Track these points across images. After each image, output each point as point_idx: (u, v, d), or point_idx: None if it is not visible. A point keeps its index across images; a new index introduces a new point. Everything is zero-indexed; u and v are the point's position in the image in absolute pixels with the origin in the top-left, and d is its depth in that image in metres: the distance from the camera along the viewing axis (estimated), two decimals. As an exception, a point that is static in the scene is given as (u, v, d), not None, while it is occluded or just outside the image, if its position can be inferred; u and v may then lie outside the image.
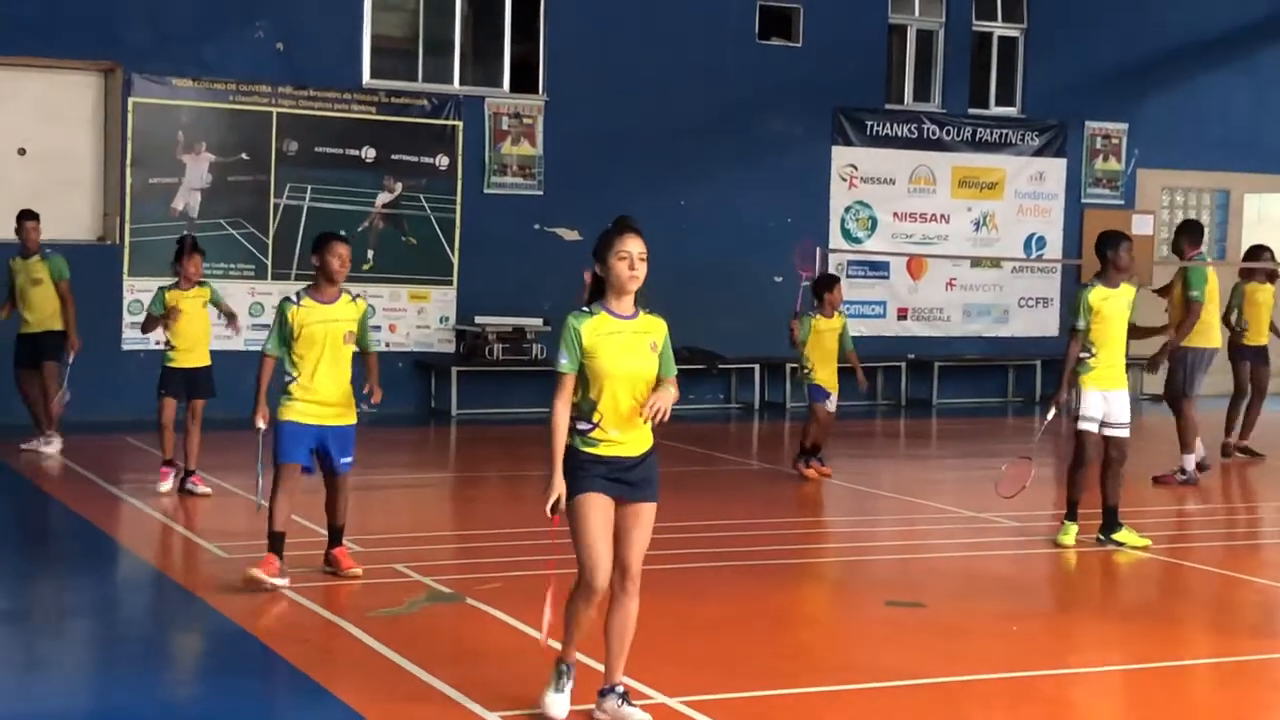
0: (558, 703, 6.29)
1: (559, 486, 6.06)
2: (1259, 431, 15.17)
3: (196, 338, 11.99)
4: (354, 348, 8.85)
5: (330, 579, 8.88)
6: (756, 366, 18.93)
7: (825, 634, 8.24)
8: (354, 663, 7.17)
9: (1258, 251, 15.18)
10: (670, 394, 6.14)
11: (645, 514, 6.21)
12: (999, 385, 20.86)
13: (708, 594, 8.79)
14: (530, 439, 16.41)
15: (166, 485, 11.87)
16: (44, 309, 14.14)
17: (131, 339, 16.25)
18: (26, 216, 14.25)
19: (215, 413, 12.35)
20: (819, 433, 13.42)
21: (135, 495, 11.85)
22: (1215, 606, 9.04)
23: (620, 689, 6.24)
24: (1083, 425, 10.39)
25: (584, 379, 6.14)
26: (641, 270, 6.15)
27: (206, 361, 12.09)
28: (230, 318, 12.46)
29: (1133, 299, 10.51)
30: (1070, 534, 10.40)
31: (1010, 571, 10.05)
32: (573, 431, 6.18)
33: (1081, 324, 10.37)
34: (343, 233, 9.31)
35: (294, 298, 8.80)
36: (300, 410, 8.70)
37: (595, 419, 6.12)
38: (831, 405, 13.47)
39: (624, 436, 6.14)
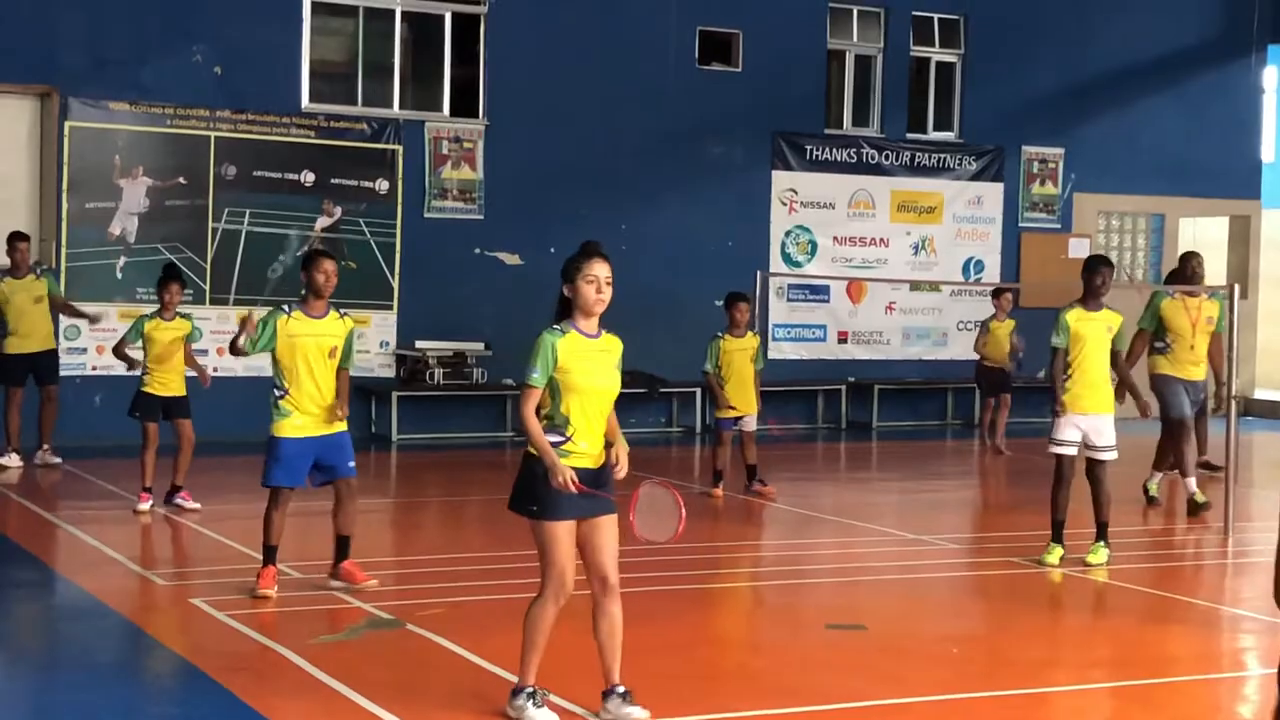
0: (544, 714, 6.46)
1: (562, 466, 6.28)
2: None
3: (174, 364, 12.11)
4: (335, 362, 9.01)
5: (269, 605, 8.80)
6: (698, 390, 18.94)
7: (767, 657, 8.25)
8: (295, 690, 7.11)
9: (1183, 270, 15.48)
10: (623, 443, 6.59)
11: (609, 525, 6.52)
12: (938, 408, 20.98)
13: (648, 618, 8.78)
14: (471, 464, 16.43)
15: (145, 506, 11.86)
16: (44, 327, 14.89)
17: (68, 364, 16.09)
18: (19, 238, 14.85)
19: (169, 437, 12.32)
20: (725, 455, 13.61)
21: (72, 523, 11.73)
22: (1153, 626, 9.11)
23: (621, 689, 6.53)
24: (1054, 449, 10.47)
25: (555, 393, 6.43)
26: (608, 293, 6.52)
27: (182, 391, 12.26)
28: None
29: (1117, 326, 10.55)
30: (1055, 554, 10.45)
31: (951, 593, 10.10)
32: None
33: (1058, 341, 10.45)
34: (277, 271, 9.55)
35: (285, 308, 9.04)
36: (297, 425, 8.88)
37: (569, 432, 6.41)
38: (749, 425, 13.62)
39: (591, 449, 6.46)
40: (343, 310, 9.27)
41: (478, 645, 7.75)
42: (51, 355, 15.05)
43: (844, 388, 20.31)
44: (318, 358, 8.90)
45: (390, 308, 18.01)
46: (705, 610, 9.49)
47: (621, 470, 6.51)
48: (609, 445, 6.52)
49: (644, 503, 6.48)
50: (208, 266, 17.22)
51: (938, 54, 21.14)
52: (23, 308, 14.64)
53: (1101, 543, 10.49)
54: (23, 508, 12.52)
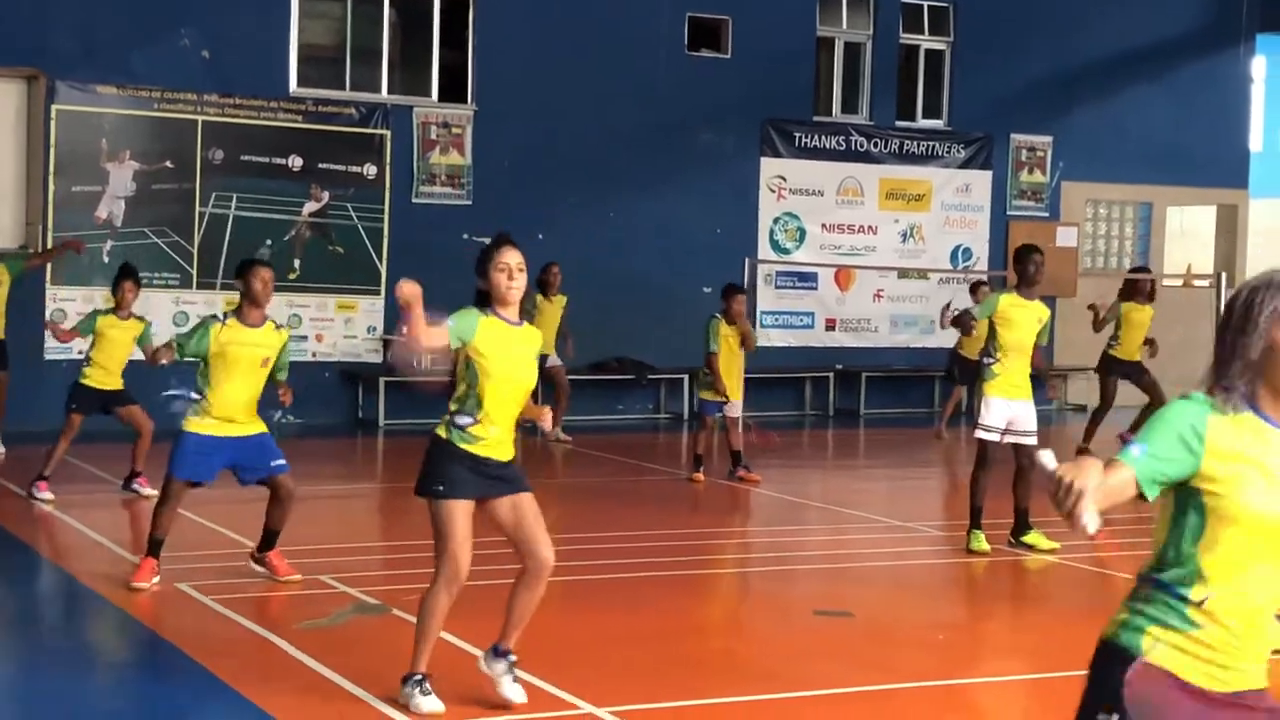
0: (430, 702, 6.39)
1: (415, 288, 6.19)
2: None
3: (120, 361, 12.04)
4: (267, 371, 8.91)
5: (257, 590, 8.79)
6: (685, 377, 18.94)
7: (754, 644, 8.26)
8: (281, 675, 7.10)
9: (1139, 273, 16.11)
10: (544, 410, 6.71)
11: (528, 501, 6.45)
12: (925, 395, 20.99)
13: (636, 604, 8.79)
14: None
15: (47, 495, 11.77)
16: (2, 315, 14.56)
17: (54, 348, 16.04)
18: None
19: (115, 425, 12.28)
20: (707, 440, 13.72)
21: (58, 507, 11.69)
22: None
23: (513, 658, 6.48)
24: (981, 434, 10.41)
25: (471, 375, 6.37)
26: (520, 280, 6.42)
27: (120, 385, 12.10)
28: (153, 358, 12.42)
29: (1046, 320, 10.55)
30: (980, 540, 10.44)
31: (937, 580, 10.11)
32: (450, 425, 6.40)
33: (978, 314, 10.45)
34: (264, 255, 9.45)
35: (220, 316, 8.94)
36: (209, 424, 8.75)
37: (479, 416, 6.33)
38: (734, 411, 13.65)
39: (499, 438, 6.40)
40: (279, 323, 9.09)
41: (463, 629, 7.74)
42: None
43: (831, 375, 20.32)
44: (249, 368, 8.77)
45: (378, 293, 17.98)
46: (692, 597, 9.50)
47: (546, 419, 6.65)
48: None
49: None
50: (195, 251, 17.19)
51: (927, 41, 21.13)
52: None
53: (979, 530, 10.44)
54: (6, 491, 12.48)
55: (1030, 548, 10.49)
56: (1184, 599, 3.44)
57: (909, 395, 20.86)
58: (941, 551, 10.83)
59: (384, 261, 18.02)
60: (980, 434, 10.43)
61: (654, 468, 14.85)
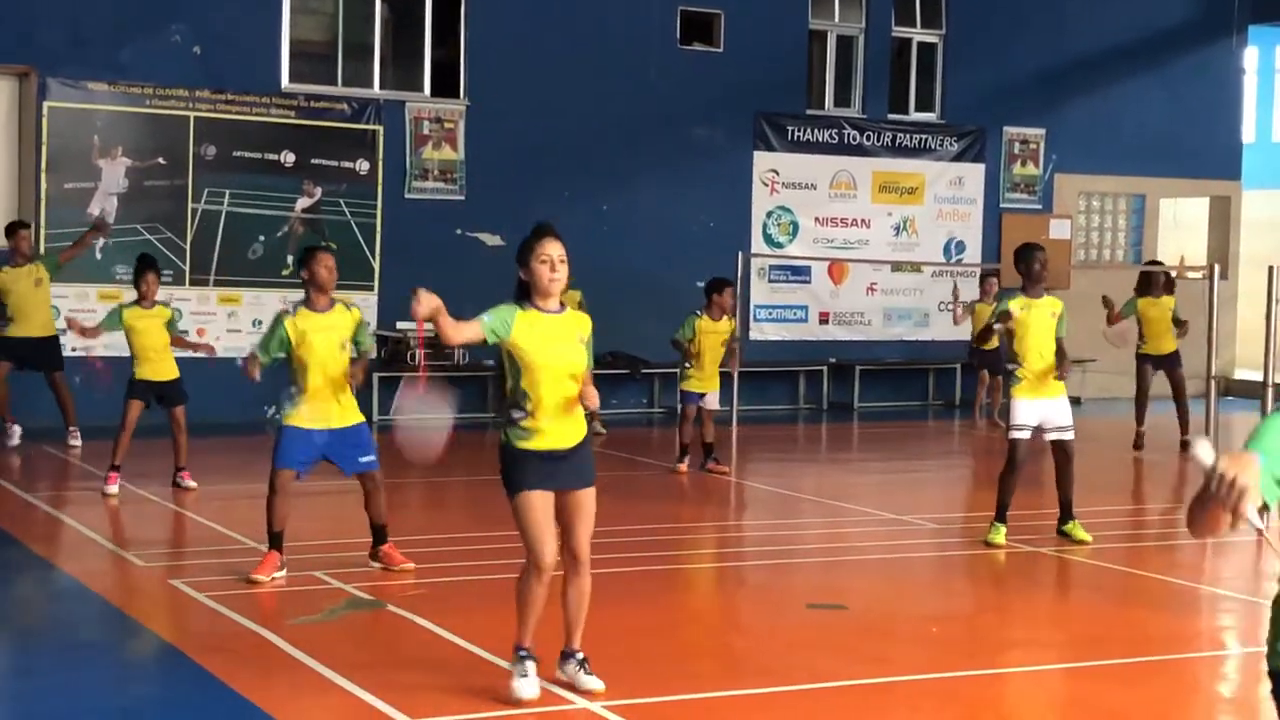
0: (526, 685, 6.52)
1: (433, 300, 6.16)
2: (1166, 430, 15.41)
3: (160, 350, 12.13)
4: (350, 353, 9.05)
5: (250, 587, 8.79)
6: (678, 371, 18.91)
7: (748, 638, 8.26)
8: (275, 670, 7.10)
9: (1153, 265, 16.26)
10: (593, 390, 6.63)
11: (585, 500, 6.58)
12: (920, 389, 21.01)
13: (631, 599, 8.78)
14: (453, 445, 16.34)
15: (113, 489, 11.84)
16: (46, 312, 14.84)
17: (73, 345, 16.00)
18: (21, 225, 15.05)
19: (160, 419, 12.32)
20: (690, 431, 13.81)
21: (55, 505, 11.69)
22: (1131, 605, 9.14)
23: (580, 655, 6.68)
24: (1014, 435, 10.48)
25: (515, 370, 6.44)
26: (563, 272, 6.48)
27: (174, 374, 12.27)
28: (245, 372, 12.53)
29: (1060, 311, 10.54)
30: (1000, 534, 10.49)
31: (931, 573, 10.12)
32: (506, 423, 6.52)
33: (999, 327, 10.46)
34: (327, 244, 9.57)
35: (290, 309, 9.04)
36: (304, 416, 8.91)
37: (529, 407, 6.41)
38: (711, 403, 13.78)
39: (556, 428, 6.47)
40: (350, 303, 9.28)
41: (459, 625, 7.75)
42: (51, 343, 14.99)
43: (825, 368, 20.33)
44: (328, 353, 8.89)
45: (371, 289, 17.97)
46: (686, 591, 9.51)
47: (591, 399, 6.56)
48: (590, 417, 6.60)
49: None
50: (187, 247, 17.17)
51: (919, 34, 21.13)
52: (24, 295, 14.70)
53: (1003, 524, 10.52)
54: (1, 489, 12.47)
55: (1068, 537, 10.55)
56: None
57: (903, 388, 20.87)
58: (936, 545, 10.84)
59: (377, 257, 18.00)
60: (1013, 434, 10.50)
61: (648, 462, 14.85)
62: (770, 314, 20.24)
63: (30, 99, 16.64)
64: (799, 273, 20.37)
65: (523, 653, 6.58)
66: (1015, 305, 10.43)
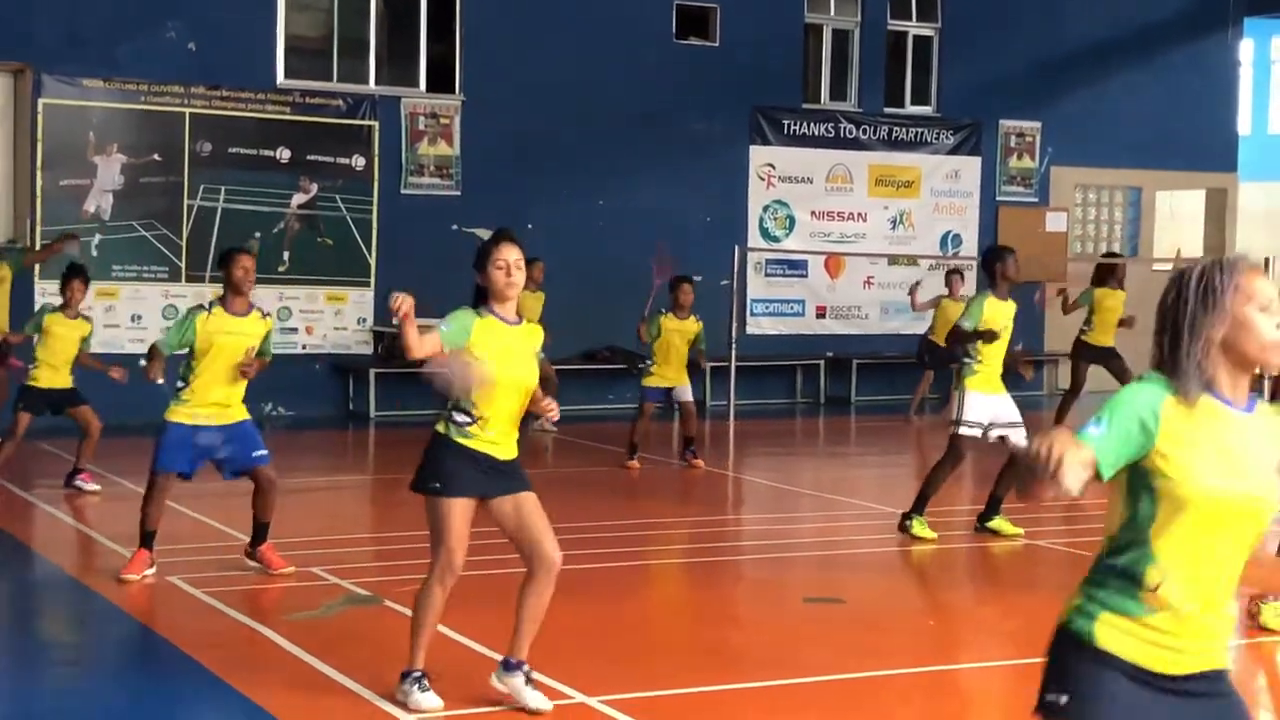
0: (429, 698, 6.32)
1: (403, 296, 6.04)
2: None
3: (66, 360, 12.03)
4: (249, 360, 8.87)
5: (247, 582, 8.79)
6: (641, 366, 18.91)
7: (746, 631, 8.26)
8: (272, 667, 7.10)
9: (1112, 257, 16.29)
10: (553, 402, 6.46)
11: (530, 500, 6.33)
12: (916, 382, 20.95)
13: (627, 593, 8.79)
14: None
15: None
16: (2, 312, 14.47)
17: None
18: None
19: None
20: (645, 428, 13.88)
21: (47, 501, 11.69)
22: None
23: (527, 667, 6.35)
24: (964, 430, 10.37)
25: None
26: (519, 278, 6.31)
27: (70, 384, 12.08)
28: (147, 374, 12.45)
29: (1012, 314, 10.57)
30: (922, 526, 10.44)
31: (927, 566, 10.13)
32: (449, 421, 6.29)
33: (968, 324, 10.42)
34: (251, 243, 9.41)
35: (206, 306, 8.87)
36: (190, 414, 8.72)
37: (477, 416, 6.21)
38: (683, 395, 13.82)
39: (498, 440, 6.28)
40: (265, 311, 9.08)
41: (456, 621, 7.73)
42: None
43: (822, 362, 20.33)
44: (232, 356, 8.72)
45: (367, 284, 17.97)
46: (683, 586, 9.51)
47: (553, 411, 6.38)
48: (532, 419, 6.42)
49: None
50: (183, 244, 17.15)
51: (915, 28, 21.12)
52: None
53: (1000, 515, 10.53)
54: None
55: (996, 533, 10.54)
56: (1138, 583, 3.45)
57: (900, 382, 20.81)
58: (919, 539, 10.82)
59: (373, 253, 18.00)
60: (963, 430, 10.39)
61: (645, 456, 14.84)
62: (767, 308, 20.23)
63: (26, 96, 16.62)
64: (795, 267, 20.36)
65: (416, 673, 6.34)
66: (989, 307, 10.39)
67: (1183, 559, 3.43)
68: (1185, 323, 3.45)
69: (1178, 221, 23.68)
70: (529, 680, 6.34)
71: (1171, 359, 3.46)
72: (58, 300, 12.31)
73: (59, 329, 11.95)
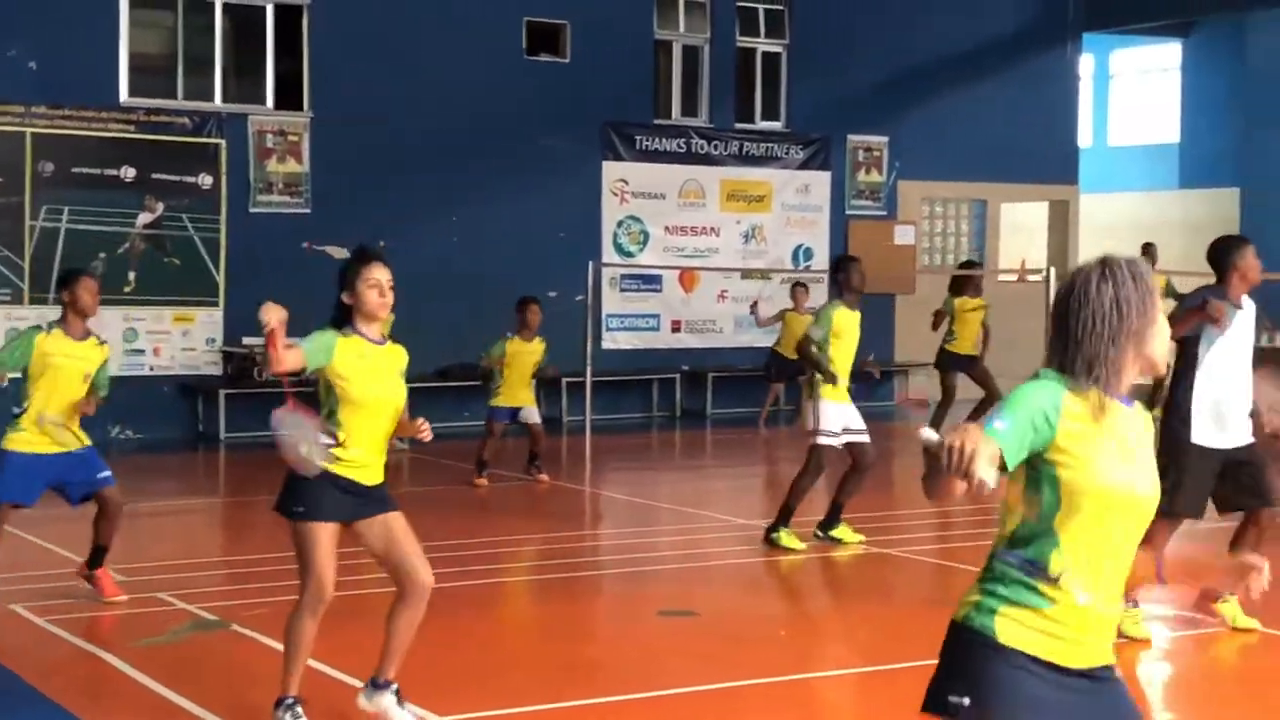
0: None
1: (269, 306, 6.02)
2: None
3: None
4: (88, 385, 8.68)
5: (91, 609, 8.60)
6: (533, 381, 18.87)
7: (601, 646, 8.26)
8: (117, 694, 6.97)
9: (969, 267, 16.47)
10: (424, 422, 6.26)
11: (398, 521, 6.24)
12: (765, 395, 21.14)
13: (482, 610, 8.75)
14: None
15: None
16: None
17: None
18: None
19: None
20: (494, 446, 13.98)
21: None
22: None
23: (396, 686, 6.30)
24: (823, 439, 10.52)
25: (333, 399, 6.16)
26: (390, 298, 6.23)
27: None
28: None
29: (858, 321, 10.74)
30: (790, 538, 10.57)
31: (783, 577, 10.21)
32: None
33: (819, 333, 10.55)
34: (94, 265, 9.22)
35: (45, 326, 8.69)
36: (31, 441, 8.54)
37: (341, 439, 6.10)
38: (530, 416, 13.99)
39: (364, 462, 6.17)
40: (103, 338, 8.92)
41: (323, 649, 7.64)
42: None
43: (678, 376, 20.42)
44: (69, 380, 8.55)
45: (216, 304, 17.70)
46: (538, 602, 9.49)
47: (425, 432, 6.21)
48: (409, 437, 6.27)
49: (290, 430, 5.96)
50: (26, 265, 16.77)
51: (764, 44, 21.33)
52: None
53: (842, 523, 10.69)
54: None
55: (838, 541, 10.68)
56: (1040, 574, 3.53)
57: (755, 395, 20.98)
58: (789, 550, 10.91)
59: (221, 272, 17.74)
60: (822, 439, 10.52)
61: (500, 473, 14.79)
62: (622, 323, 20.28)
63: None
64: (650, 282, 20.44)
65: (290, 700, 6.24)
66: (839, 317, 10.53)
67: (1082, 550, 3.52)
68: (1096, 325, 3.55)
69: (1022, 233, 24.15)
70: (400, 699, 6.28)
71: (1078, 359, 3.56)
72: None
73: None
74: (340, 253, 18.14)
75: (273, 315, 5.97)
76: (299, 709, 6.24)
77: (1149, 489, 3.58)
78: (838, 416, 10.54)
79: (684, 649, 7.94)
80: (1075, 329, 3.57)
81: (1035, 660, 3.51)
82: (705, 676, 7.33)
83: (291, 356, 6.05)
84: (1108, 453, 3.51)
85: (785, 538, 10.55)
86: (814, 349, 10.50)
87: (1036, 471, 3.52)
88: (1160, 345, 3.61)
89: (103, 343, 8.86)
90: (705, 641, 8.10)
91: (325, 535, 6.11)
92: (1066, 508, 3.51)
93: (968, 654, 3.58)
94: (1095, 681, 3.57)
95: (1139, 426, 3.62)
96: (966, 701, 3.53)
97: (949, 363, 16.41)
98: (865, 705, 7.27)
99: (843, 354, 10.56)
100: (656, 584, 9.85)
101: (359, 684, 6.48)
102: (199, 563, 9.63)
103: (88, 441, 8.77)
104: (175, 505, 13.34)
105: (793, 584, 10.08)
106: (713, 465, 17.06)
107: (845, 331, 10.54)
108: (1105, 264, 3.62)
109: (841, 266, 10.83)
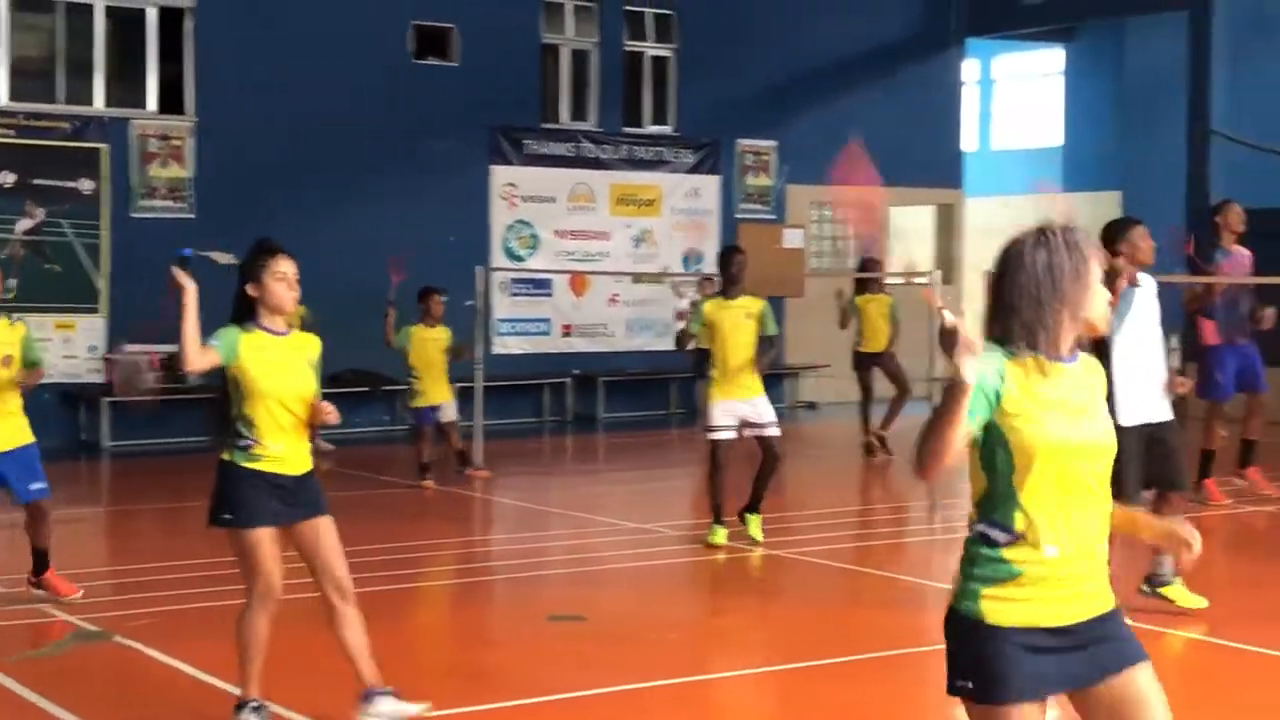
0: None
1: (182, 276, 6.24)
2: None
3: None
4: (12, 372, 8.58)
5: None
6: (408, 390, 18.75)
7: (492, 651, 8.23)
8: (0, 711, 6.82)
9: (869, 265, 16.47)
10: (328, 405, 6.21)
11: (326, 528, 6.22)
12: (662, 399, 21.21)
13: (370, 617, 8.62)
14: (187, 470, 15.95)
15: None
16: None
17: None
18: None
19: None
20: (429, 448, 13.91)
21: None
22: (867, 604, 9.36)
23: (389, 688, 6.28)
24: (712, 435, 10.62)
25: (239, 396, 6.12)
26: (298, 291, 6.25)
27: None
28: None
29: (759, 310, 10.66)
30: (720, 535, 10.64)
31: (674, 580, 10.22)
32: (232, 446, 6.14)
33: (693, 328, 10.66)
34: None
35: None
36: None
37: (255, 435, 6.08)
38: (448, 414, 14.00)
39: (284, 452, 6.13)
40: (14, 317, 8.82)
41: (190, 655, 7.55)
42: None
43: (569, 381, 20.40)
44: None
45: (96, 311, 17.41)
46: (430, 608, 9.43)
47: (331, 415, 6.12)
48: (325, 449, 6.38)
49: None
50: (-100, 273, 16.40)
51: (652, 48, 21.38)
52: None
53: (721, 525, 10.71)
54: None
55: (744, 527, 10.76)
56: (1007, 535, 3.65)
57: (647, 398, 21.05)
58: (680, 552, 10.94)
59: (103, 278, 17.45)
60: (711, 435, 10.60)
61: (390, 480, 14.69)
62: (513, 327, 20.22)
63: None
64: (540, 286, 20.40)
65: (254, 703, 6.19)
66: (710, 308, 10.66)
67: (1044, 505, 3.65)
68: (1031, 291, 3.69)
69: (910, 236, 24.39)
70: (397, 699, 6.28)
71: (1015, 325, 3.69)
72: None
73: None
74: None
75: (189, 283, 6.03)
76: (264, 710, 6.18)
77: (1100, 436, 3.72)
78: (728, 412, 10.57)
79: (575, 653, 7.92)
80: (1011, 296, 3.71)
81: (1026, 631, 3.62)
82: (596, 680, 7.32)
83: (208, 354, 6.03)
84: (1051, 412, 3.64)
85: (711, 536, 10.63)
86: (680, 343, 10.74)
87: (990, 437, 3.66)
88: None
89: (15, 321, 8.71)
90: (596, 645, 8.09)
91: (263, 537, 6.08)
92: (1021, 468, 3.64)
93: (963, 638, 3.70)
94: (1097, 633, 3.67)
95: (1086, 379, 3.76)
96: (970, 685, 3.65)
97: (861, 362, 16.48)
98: (756, 707, 7.29)
99: (723, 346, 10.56)
100: (548, 588, 9.83)
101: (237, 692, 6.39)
102: (82, 573, 9.45)
103: (28, 438, 8.74)
104: (58, 515, 13.03)
105: (684, 586, 10.10)
106: (604, 469, 17.06)
107: (720, 323, 10.56)
108: (1041, 231, 3.75)
109: (721, 259, 10.94)
